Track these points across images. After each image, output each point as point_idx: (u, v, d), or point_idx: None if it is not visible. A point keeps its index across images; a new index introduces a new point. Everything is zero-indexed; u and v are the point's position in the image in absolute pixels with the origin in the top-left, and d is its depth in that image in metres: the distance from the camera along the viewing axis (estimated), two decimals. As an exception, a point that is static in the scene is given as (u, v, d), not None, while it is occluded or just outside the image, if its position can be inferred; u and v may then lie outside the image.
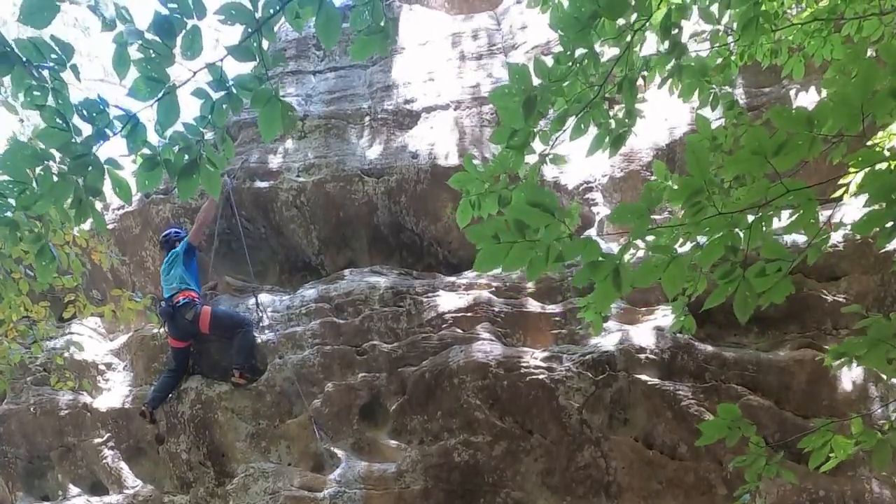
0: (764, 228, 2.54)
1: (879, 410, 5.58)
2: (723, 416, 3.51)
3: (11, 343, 6.07)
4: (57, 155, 2.75)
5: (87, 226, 6.08)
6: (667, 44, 3.78)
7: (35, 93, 2.73)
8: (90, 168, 2.72)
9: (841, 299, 5.87)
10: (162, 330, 7.02)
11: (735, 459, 3.89)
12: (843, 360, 3.59)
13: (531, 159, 3.67)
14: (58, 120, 2.70)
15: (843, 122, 2.23)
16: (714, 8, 4.04)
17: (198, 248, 7.21)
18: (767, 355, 5.81)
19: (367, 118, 7.80)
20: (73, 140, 2.71)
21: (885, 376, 5.58)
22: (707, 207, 2.45)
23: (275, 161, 7.63)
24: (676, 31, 3.79)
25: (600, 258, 2.50)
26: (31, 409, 7.33)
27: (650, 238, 2.84)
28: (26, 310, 5.71)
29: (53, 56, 2.72)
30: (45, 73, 2.74)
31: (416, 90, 7.90)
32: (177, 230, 7.40)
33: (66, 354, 7.12)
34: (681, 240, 2.94)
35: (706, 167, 2.38)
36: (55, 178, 2.74)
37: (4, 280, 5.26)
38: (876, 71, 2.19)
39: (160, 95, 2.68)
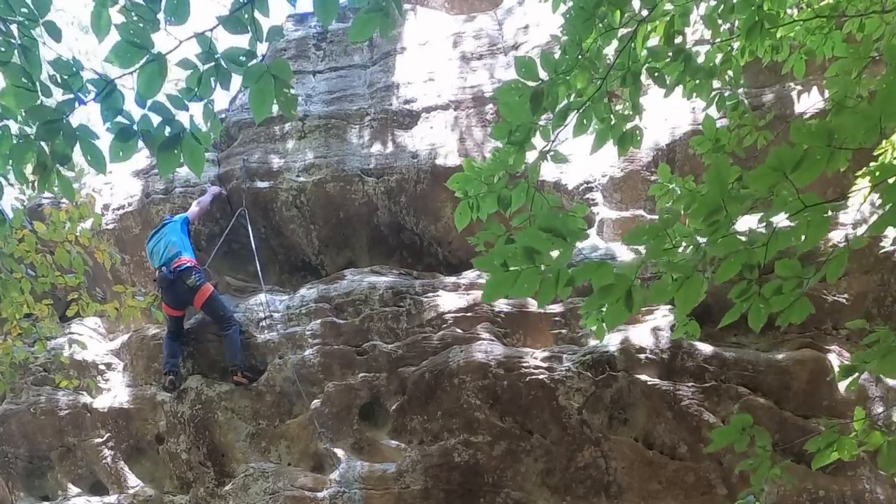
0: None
1: (880, 411, 5.58)
2: (734, 424, 3.50)
3: (16, 341, 6.06)
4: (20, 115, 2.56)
5: (88, 224, 6.08)
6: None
7: (0, 48, 2.52)
8: (60, 134, 2.52)
9: (841, 299, 5.86)
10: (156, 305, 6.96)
11: (741, 462, 3.89)
12: (854, 375, 3.58)
13: (531, 156, 3.62)
14: (23, 80, 2.51)
15: (861, 135, 2.22)
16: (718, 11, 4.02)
17: (194, 245, 7.23)
18: (767, 355, 5.80)
19: (367, 118, 7.81)
20: (41, 103, 2.52)
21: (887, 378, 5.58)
22: (725, 225, 2.40)
23: (275, 161, 7.63)
24: (680, 38, 3.78)
25: (612, 281, 2.46)
26: (31, 409, 7.32)
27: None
28: (29, 307, 5.70)
29: (24, 10, 2.52)
30: (14, 28, 2.53)
31: (417, 90, 7.90)
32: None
33: (68, 353, 7.12)
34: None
35: (726, 185, 2.33)
36: (15, 140, 2.54)
37: (6, 279, 5.25)
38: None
39: (142, 63, 2.49)
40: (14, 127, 2.60)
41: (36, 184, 2.71)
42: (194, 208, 7.35)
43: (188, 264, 6.77)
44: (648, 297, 2.57)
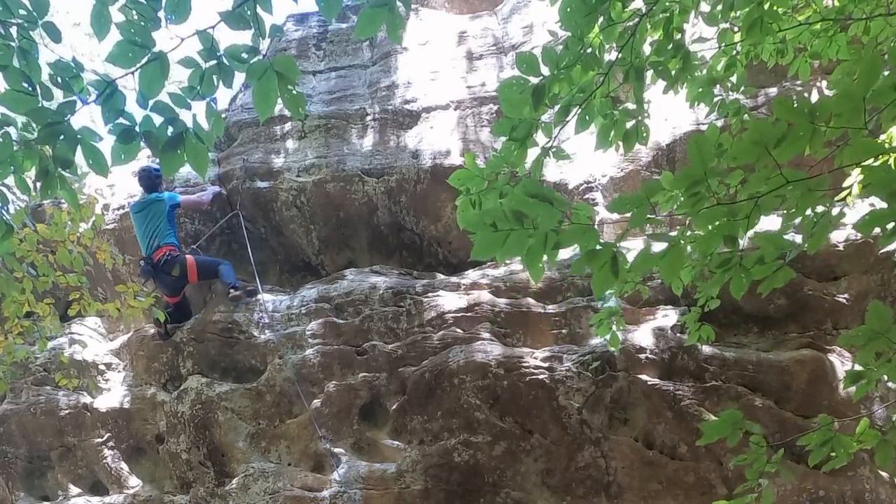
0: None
1: (879, 411, 5.58)
2: (725, 418, 3.50)
3: (17, 339, 6.05)
4: (20, 121, 2.53)
5: (89, 224, 6.08)
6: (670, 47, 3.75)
7: None
8: (61, 137, 2.46)
9: (841, 299, 5.88)
10: (147, 289, 6.97)
11: (736, 458, 3.89)
12: (863, 381, 3.58)
13: (533, 154, 3.57)
14: (23, 83, 2.47)
15: (847, 117, 2.22)
16: (718, 8, 4.01)
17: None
18: (767, 355, 5.81)
19: (368, 118, 7.81)
20: (42, 105, 2.47)
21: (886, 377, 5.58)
22: (706, 198, 2.42)
23: (275, 161, 7.63)
24: (679, 35, 3.77)
25: (598, 246, 2.47)
26: (31, 409, 7.32)
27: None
28: (30, 306, 5.69)
29: (23, 12, 2.48)
30: (13, 30, 2.49)
31: (417, 90, 7.91)
32: (156, 168, 7.10)
33: (68, 352, 7.10)
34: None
35: (708, 158, 2.35)
36: (16, 146, 2.50)
37: (7, 278, 5.24)
38: (879, 65, 2.19)
39: (143, 62, 2.44)
40: (14, 133, 2.57)
41: (39, 190, 2.66)
42: (191, 198, 7.39)
43: (166, 255, 6.84)
44: (634, 265, 2.57)
